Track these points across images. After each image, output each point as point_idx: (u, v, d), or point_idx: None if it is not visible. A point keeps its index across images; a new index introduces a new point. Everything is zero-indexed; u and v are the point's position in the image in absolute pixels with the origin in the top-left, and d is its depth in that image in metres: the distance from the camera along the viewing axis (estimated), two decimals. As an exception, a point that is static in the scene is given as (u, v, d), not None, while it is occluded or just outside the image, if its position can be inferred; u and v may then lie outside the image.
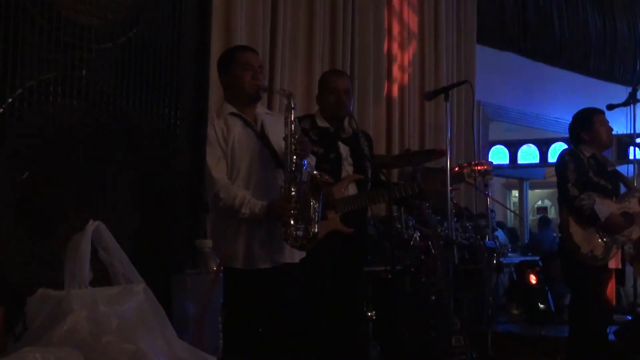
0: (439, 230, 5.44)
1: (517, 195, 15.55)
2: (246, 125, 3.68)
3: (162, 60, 2.10)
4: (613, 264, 4.72)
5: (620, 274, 4.99)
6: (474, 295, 6.15)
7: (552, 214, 14.80)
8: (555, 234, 10.97)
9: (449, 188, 4.35)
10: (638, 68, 11.44)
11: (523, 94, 9.80)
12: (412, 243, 5.24)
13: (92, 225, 1.68)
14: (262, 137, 3.68)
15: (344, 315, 4.33)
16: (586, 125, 4.91)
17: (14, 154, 1.79)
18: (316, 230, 3.46)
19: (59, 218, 1.90)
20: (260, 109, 3.85)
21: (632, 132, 5.86)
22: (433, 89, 6.79)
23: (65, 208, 1.90)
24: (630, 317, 6.37)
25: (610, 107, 5.66)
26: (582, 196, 4.61)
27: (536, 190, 18.86)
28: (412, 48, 7.63)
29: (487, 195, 6.31)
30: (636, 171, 6.25)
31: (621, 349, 5.26)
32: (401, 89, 7.43)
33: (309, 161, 3.64)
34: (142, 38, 2.05)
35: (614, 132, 5.12)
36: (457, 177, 4.52)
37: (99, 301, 1.57)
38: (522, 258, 9.15)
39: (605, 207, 4.68)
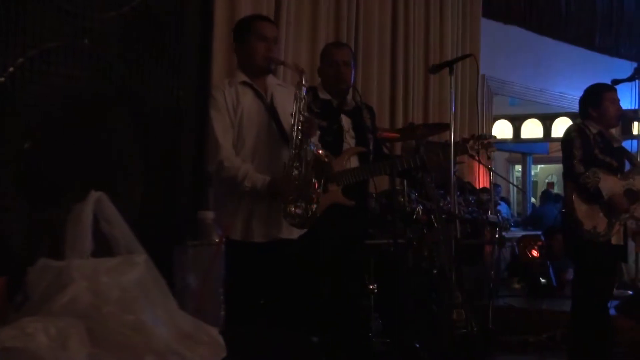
0: (441, 204, 5.42)
1: (520, 169, 15.56)
2: (256, 96, 3.65)
3: (165, 31, 2.09)
4: (615, 240, 4.70)
5: (622, 250, 4.97)
6: (475, 270, 6.15)
7: (556, 189, 14.78)
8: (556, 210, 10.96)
9: (452, 161, 4.33)
10: (644, 43, 11.37)
11: (528, 68, 9.73)
12: (414, 216, 5.23)
13: (93, 195, 1.67)
14: (271, 109, 3.66)
15: (346, 288, 4.33)
16: (595, 102, 4.84)
17: (16, 123, 1.78)
18: (315, 209, 3.47)
19: (61, 188, 1.89)
20: (272, 79, 3.81)
21: (636, 107, 5.82)
22: (437, 62, 6.74)
23: (68, 178, 1.90)
24: (632, 292, 6.40)
25: (615, 82, 5.59)
26: (587, 173, 4.59)
27: (545, 165, 18.88)
28: (417, 22, 7.57)
29: (490, 169, 6.29)
30: (640, 146, 6.22)
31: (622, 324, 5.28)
32: (405, 62, 7.39)
33: (314, 140, 3.62)
34: (146, 8, 2.04)
35: (618, 108, 5.07)
36: (460, 149, 4.50)
37: (100, 272, 1.57)
38: (525, 232, 9.15)
39: (609, 185, 4.66)
